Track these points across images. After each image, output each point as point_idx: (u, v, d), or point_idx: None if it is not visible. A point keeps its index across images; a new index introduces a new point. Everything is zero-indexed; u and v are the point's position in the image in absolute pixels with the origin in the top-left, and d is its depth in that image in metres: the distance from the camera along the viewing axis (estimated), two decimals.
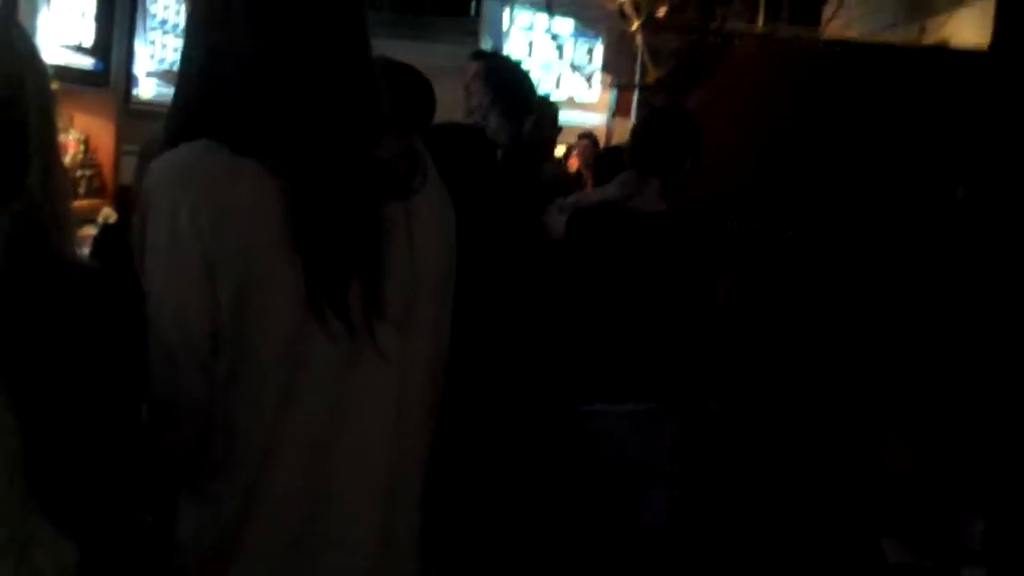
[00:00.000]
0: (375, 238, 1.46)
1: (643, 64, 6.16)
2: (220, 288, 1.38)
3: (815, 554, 2.77)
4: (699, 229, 3.78)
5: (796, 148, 6.28)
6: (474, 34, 12.52)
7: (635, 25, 6.13)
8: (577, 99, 10.80)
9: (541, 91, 11.48)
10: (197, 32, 1.54)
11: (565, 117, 11.14)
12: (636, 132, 3.86)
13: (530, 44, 11.84)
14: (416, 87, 3.57)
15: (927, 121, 6.20)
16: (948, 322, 4.26)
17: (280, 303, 1.40)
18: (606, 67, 6.64)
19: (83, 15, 4.64)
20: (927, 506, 2.76)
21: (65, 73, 4.40)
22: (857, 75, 6.33)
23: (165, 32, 5.48)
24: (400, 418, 1.52)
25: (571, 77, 10.41)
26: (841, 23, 7.92)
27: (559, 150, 9.97)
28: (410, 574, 1.58)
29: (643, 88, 6.24)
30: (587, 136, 7.60)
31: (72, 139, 4.68)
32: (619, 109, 7.11)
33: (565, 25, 10.22)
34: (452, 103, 3.91)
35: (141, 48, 5.25)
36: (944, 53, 6.91)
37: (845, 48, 6.56)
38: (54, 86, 1.47)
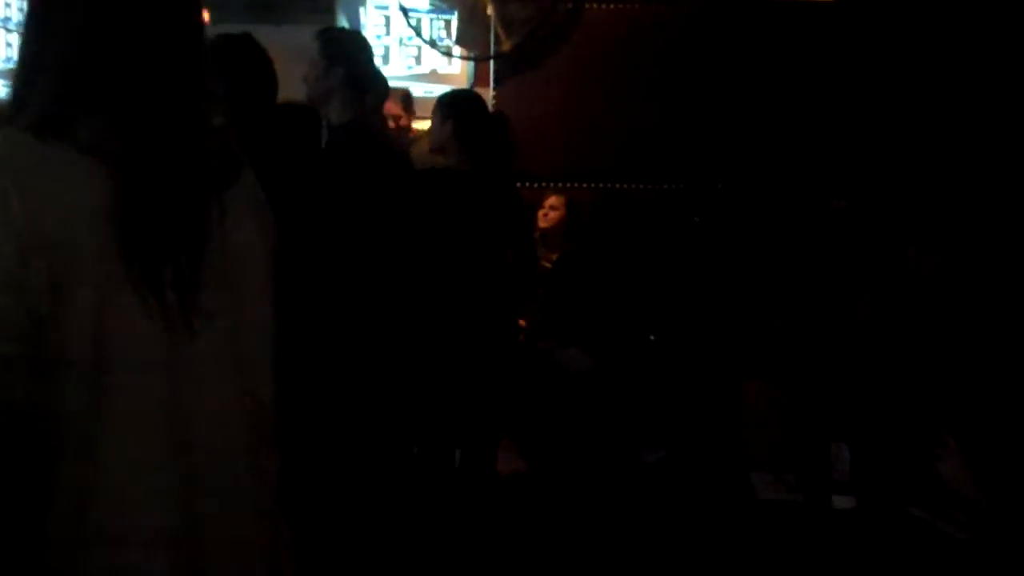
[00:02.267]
0: (195, 226, 1.46)
1: (496, 35, 6.16)
2: (36, 272, 1.37)
3: (685, 493, 2.82)
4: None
5: (654, 107, 6.38)
6: (329, 13, 12.35)
7: None
8: (440, 71, 10.75)
9: (406, 66, 11.45)
10: (27, 20, 1.53)
11: (431, 91, 11.10)
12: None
13: (387, 20, 11.73)
14: (256, 65, 3.52)
15: (781, 73, 6.35)
16: (811, 257, 4.38)
17: (96, 290, 1.40)
18: (460, 39, 6.59)
19: None
20: (793, 439, 2.83)
21: None
22: (709, 33, 6.45)
23: (9, 31, 5.30)
24: (215, 407, 1.52)
25: (430, 51, 10.30)
26: None
27: (426, 124, 9.93)
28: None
29: (497, 58, 6.24)
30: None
31: None
32: (477, 80, 7.08)
33: (421, 1, 10.15)
34: None
35: None
36: (793, 6, 7.06)
37: (697, 6, 6.66)
38: None
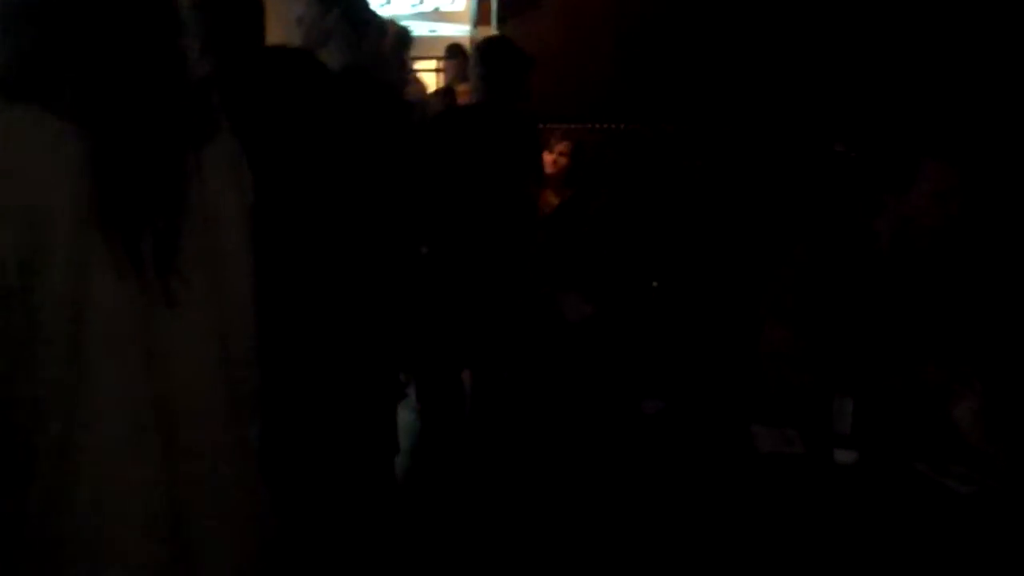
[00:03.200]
0: (172, 188, 1.40)
1: None
2: (5, 242, 1.32)
3: (684, 445, 2.76)
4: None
5: (659, 46, 6.27)
6: None
7: None
8: (442, 9, 10.63)
9: (409, 5, 11.31)
10: None
11: (433, 29, 10.96)
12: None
13: None
14: (244, 5, 3.45)
15: (784, 13, 6.23)
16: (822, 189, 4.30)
17: (71, 261, 1.34)
18: None
19: None
20: (805, 388, 2.77)
21: None
22: None
23: None
24: (195, 375, 1.48)
25: None
26: None
27: (430, 64, 9.82)
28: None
29: None
30: (454, 54, 7.47)
31: None
32: (480, 18, 6.98)
33: None
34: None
35: None
36: None
37: None
38: None
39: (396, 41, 4.64)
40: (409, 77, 6.16)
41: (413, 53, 5.79)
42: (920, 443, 2.54)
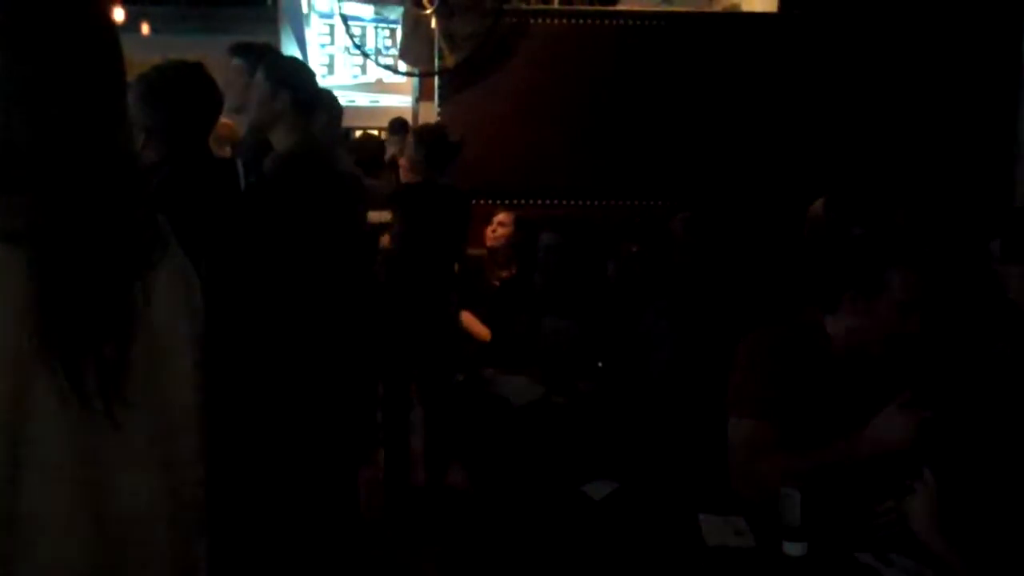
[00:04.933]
0: (119, 313, 1.38)
1: (440, 50, 6.08)
2: None
3: (631, 532, 2.76)
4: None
5: (605, 120, 6.34)
6: (273, 22, 12.24)
7: (429, 10, 6.04)
8: (385, 80, 10.71)
9: (351, 75, 11.36)
10: None
11: (375, 100, 11.02)
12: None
13: (331, 30, 11.64)
14: (199, 90, 3.47)
15: (727, 82, 6.34)
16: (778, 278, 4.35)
17: (10, 387, 1.32)
18: (403, 54, 6.52)
19: None
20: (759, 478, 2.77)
21: None
22: (656, 44, 6.42)
23: None
24: (139, 502, 1.45)
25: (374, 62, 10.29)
26: None
27: (372, 133, 9.86)
28: None
29: (441, 74, 6.16)
30: (397, 130, 7.57)
31: None
32: (423, 94, 7.03)
33: (365, 10, 10.07)
34: None
35: None
36: (737, 17, 7.06)
37: (642, 19, 6.63)
38: None
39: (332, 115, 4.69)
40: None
41: (356, 123, 5.84)
42: (865, 534, 2.55)
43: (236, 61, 4.17)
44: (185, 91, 3.37)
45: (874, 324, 2.78)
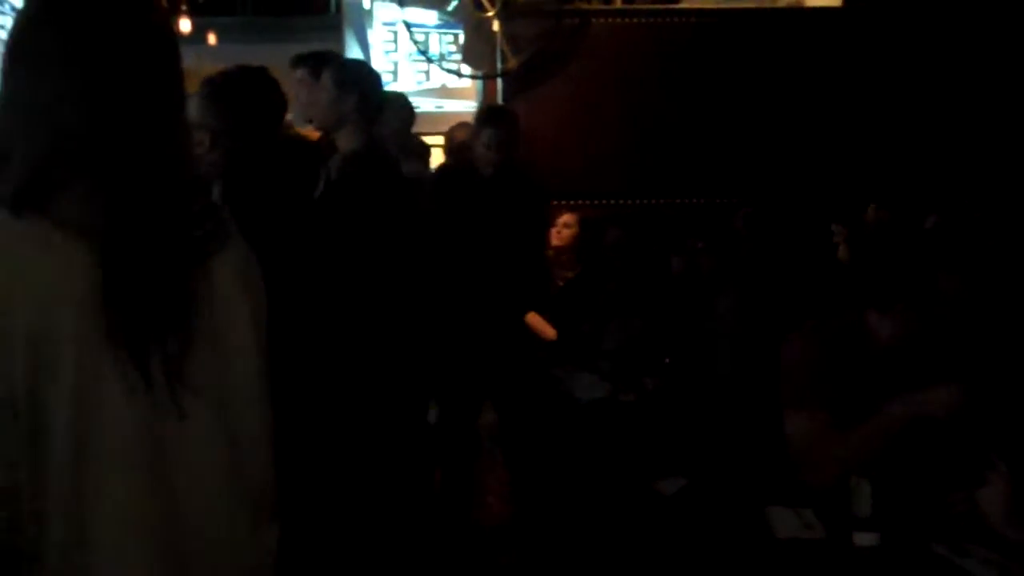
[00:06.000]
0: (181, 303, 1.41)
1: (503, 52, 6.11)
2: (14, 355, 1.33)
3: (700, 528, 2.75)
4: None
5: (668, 118, 6.33)
6: (337, 30, 12.33)
7: (491, 12, 6.07)
8: (449, 85, 10.74)
9: (415, 82, 11.44)
10: (3, 90, 1.47)
11: (441, 105, 11.08)
12: None
13: (395, 36, 11.71)
14: (263, 91, 3.52)
15: (793, 81, 6.30)
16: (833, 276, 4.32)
17: (77, 378, 1.35)
18: (466, 57, 6.55)
19: None
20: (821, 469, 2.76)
21: None
22: (719, 41, 6.40)
23: None
24: (208, 489, 1.48)
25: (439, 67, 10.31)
26: None
27: (436, 140, 9.91)
28: None
29: (504, 75, 6.19)
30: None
31: None
32: (486, 97, 7.05)
33: (428, 17, 10.14)
34: None
35: None
36: (800, 13, 7.00)
37: (704, 16, 6.61)
38: None
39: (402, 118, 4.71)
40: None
41: (419, 129, 5.86)
42: (939, 525, 2.52)
43: (299, 72, 4.22)
44: (248, 93, 3.43)
45: (924, 323, 2.79)
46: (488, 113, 4.90)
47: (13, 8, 7.20)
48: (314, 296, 3.36)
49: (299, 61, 4.29)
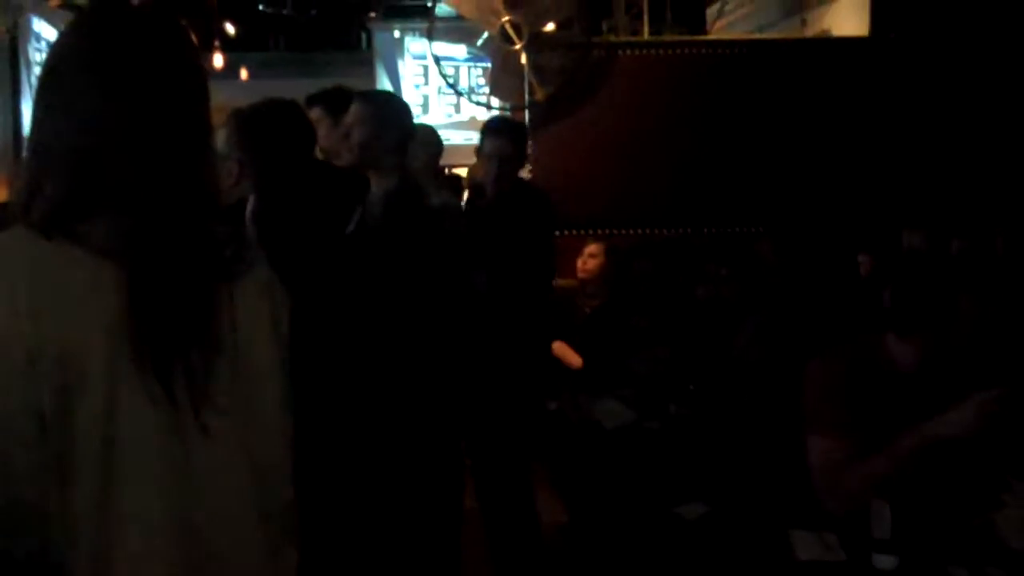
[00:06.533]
0: (205, 323, 1.46)
1: (530, 84, 6.18)
2: (43, 374, 1.36)
3: (723, 551, 2.77)
4: None
5: (695, 149, 6.37)
6: (368, 65, 12.50)
7: (519, 45, 6.15)
8: (479, 118, 10.84)
9: (445, 115, 11.53)
10: (35, 114, 1.52)
11: (470, 138, 11.19)
12: None
13: (425, 71, 11.86)
14: (293, 123, 3.56)
15: (817, 108, 6.33)
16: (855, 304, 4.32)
17: (104, 393, 1.39)
18: (494, 89, 6.63)
19: None
20: (844, 493, 2.77)
21: None
22: (746, 71, 6.44)
23: None
24: (230, 508, 1.51)
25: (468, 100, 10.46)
26: (725, 24, 8.03)
27: (462, 171, 10.02)
28: None
29: (532, 107, 6.25)
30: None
31: None
32: None
33: (458, 50, 10.26)
34: None
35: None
36: (827, 43, 7.04)
37: (730, 47, 6.66)
38: None
39: (430, 152, 4.75)
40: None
41: (451, 161, 5.93)
42: (957, 547, 2.53)
43: (315, 111, 4.20)
44: (275, 124, 3.48)
45: (944, 348, 2.81)
46: (490, 123, 4.73)
47: (48, 43, 7.35)
48: (350, 327, 3.38)
49: (313, 100, 4.31)
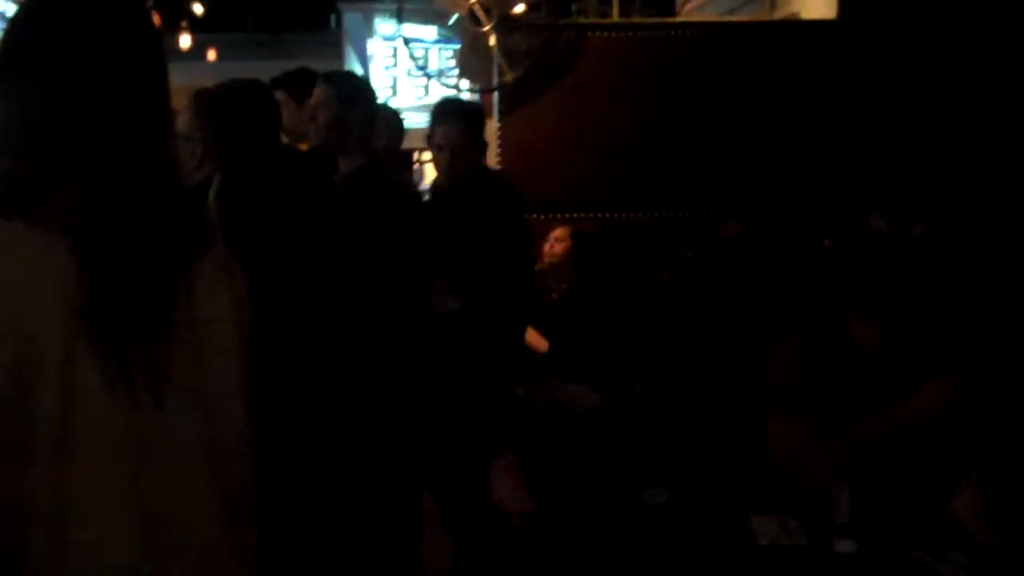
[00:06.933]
0: (162, 301, 1.44)
1: (499, 66, 6.15)
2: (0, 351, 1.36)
3: (684, 536, 2.77)
4: None
5: (664, 132, 6.36)
6: (337, 46, 12.43)
7: (487, 27, 6.11)
8: None
9: (415, 97, 11.48)
10: None
11: None
12: None
13: (394, 52, 11.80)
14: (258, 103, 3.53)
15: (786, 91, 6.32)
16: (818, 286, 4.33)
17: (60, 372, 1.38)
18: (463, 71, 6.60)
19: None
20: (805, 476, 2.78)
21: None
22: (715, 54, 6.43)
23: None
24: (187, 484, 1.50)
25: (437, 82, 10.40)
26: (694, 7, 8.02)
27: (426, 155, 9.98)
28: None
29: (501, 89, 6.23)
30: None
31: None
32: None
33: (427, 32, 10.21)
34: None
35: None
36: (796, 26, 7.04)
37: (700, 29, 6.64)
38: None
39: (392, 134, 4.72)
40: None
41: (420, 144, 5.90)
42: (917, 531, 2.54)
43: (279, 93, 4.16)
44: (241, 106, 3.46)
45: (906, 330, 2.83)
46: (438, 107, 4.26)
47: (4, 17, 7.28)
48: (315, 310, 3.37)
49: (278, 82, 4.28)
